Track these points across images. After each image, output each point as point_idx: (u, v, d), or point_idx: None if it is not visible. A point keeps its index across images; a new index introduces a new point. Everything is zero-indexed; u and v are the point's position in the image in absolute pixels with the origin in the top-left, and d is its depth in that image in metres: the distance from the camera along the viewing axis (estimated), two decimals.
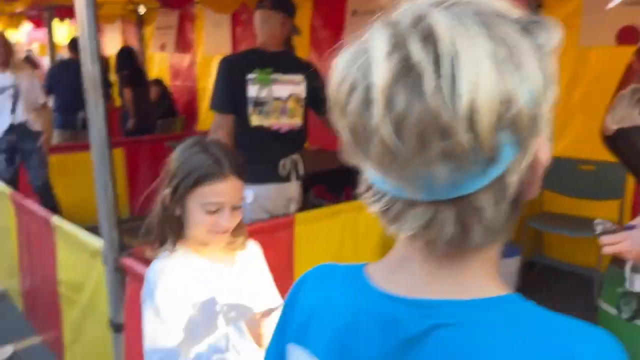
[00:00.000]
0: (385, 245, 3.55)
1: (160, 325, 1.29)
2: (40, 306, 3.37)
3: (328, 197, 4.54)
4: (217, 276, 1.37)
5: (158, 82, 6.98)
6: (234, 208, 1.30)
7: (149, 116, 6.34)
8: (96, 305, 2.60)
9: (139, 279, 2.20)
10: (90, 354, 2.77)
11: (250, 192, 2.79)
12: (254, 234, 2.74)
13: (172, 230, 1.33)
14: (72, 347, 2.95)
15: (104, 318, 2.53)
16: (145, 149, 5.74)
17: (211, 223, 1.28)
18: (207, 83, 7.23)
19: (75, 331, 2.89)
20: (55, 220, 2.91)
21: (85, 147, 5.25)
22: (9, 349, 3.20)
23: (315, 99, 2.79)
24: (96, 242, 2.49)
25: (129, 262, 2.28)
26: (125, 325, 2.36)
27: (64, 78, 5.58)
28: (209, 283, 1.35)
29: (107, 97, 2.79)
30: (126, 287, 2.31)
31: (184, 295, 1.30)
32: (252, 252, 1.50)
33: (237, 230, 1.37)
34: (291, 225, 2.90)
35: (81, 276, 2.70)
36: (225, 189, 1.27)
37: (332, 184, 4.57)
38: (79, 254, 2.67)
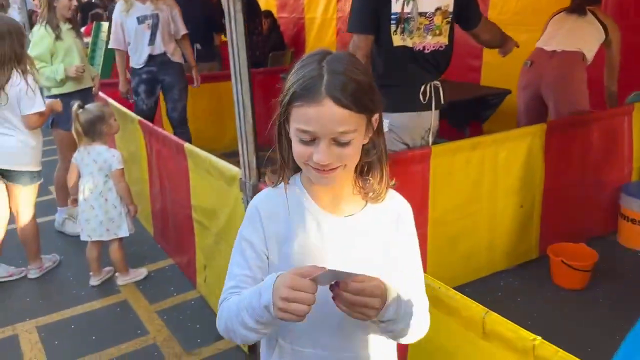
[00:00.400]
0: (525, 183, 3.28)
1: (235, 257, 1.14)
2: (172, 231, 3.49)
3: (450, 131, 4.26)
4: (317, 227, 1.08)
5: (269, 14, 6.84)
6: (340, 143, 0.98)
7: (262, 49, 6.26)
8: (230, 232, 2.60)
9: None
10: (222, 278, 2.80)
11: (385, 121, 2.61)
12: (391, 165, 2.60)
13: (284, 158, 1.09)
14: (205, 271, 3.02)
15: None
16: (258, 82, 5.69)
17: (306, 155, 1.00)
18: (315, 14, 7.01)
19: (207, 256, 2.95)
20: (189, 147, 2.92)
21: (208, 78, 5.40)
22: (143, 271, 3.36)
23: (467, 10, 2.51)
24: (233, 169, 2.46)
25: None
26: None
27: (185, 10, 5.59)
28: (306, 231, 1.09)
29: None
30: None
31: (265, 236, 1.09)
32: (393, 209, 1.14)
33: (366, 177, 1.10)
34: (427, 158, 2.71)
35: (216, 203, 2.71)
36: (316, 115, 0.95)
37: (455, 118, 4.27)
38: (214, 181, 2.66)
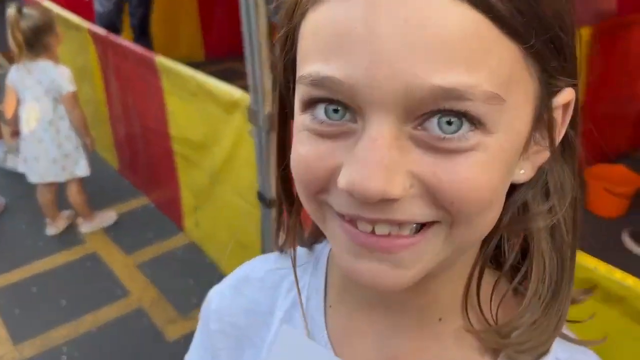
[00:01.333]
0: None
1: None
2: (144, 164, 2.90)
3: None
4: None
5: None
6: (442, 141, 0.35)
7: None
8: (232, 172, 2.07)
9: None
10: (220, 224, 2.32)
11: None
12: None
13: (285, 187, 0.53)
14: (196, 213, 2.51)
15: (243, 187, 2.02)
16: None
17: (319, 170, 0.41)
18: None
19: (199, 197, 2.43)
20: (162, 62, 2.27)
21: None
22: (112, 214, 2.79)
23: None
24: (235, 93, 1.88)
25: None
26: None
27: None
28: None
29: None
30: None
31: None
32: None
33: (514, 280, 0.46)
34: None
35: (207, 135, 2.15)
36: (367, 23, 0.33)
37: None
38: (205, 107, 2.07)
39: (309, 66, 0.34)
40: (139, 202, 2.96)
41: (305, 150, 0.36)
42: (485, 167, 0.34)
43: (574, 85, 0.37)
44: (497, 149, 0.34)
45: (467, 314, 0.43)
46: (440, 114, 0.32)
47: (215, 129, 2.07)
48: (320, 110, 0.34)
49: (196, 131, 2.22)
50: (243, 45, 1.69)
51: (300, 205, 0.45)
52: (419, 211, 0.34)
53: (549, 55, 0.34)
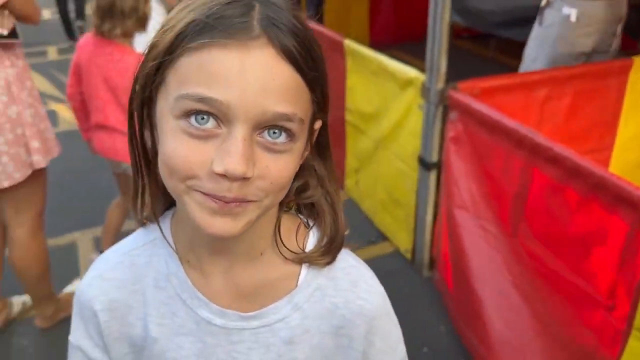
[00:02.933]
0: None
1: None
2: None
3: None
4: (200, 335, 0.67)
5: None
6: (272, 145, 0.56)
7: None
8: (396, 139, 2.48)
9: (470, 114, 1.96)
10: (377, 184, 2.74)
11: (572, 10, 2.32)
12: (573, 79, 2.34)
13: (141, 171, 0.69)
14: (356, 174, 2.97)
15: (405, 152, 2.42)
16: None
17: (196, 161, 0.56)
18: None
19: (361, 160, 2.88)
20: (350, 45, 2.74)
21: None
22: None
23: None
24: (410, 72, 2.27)
25: (458, 95, 2.03)
26: (441, 163, 2.20)
27: None
28: (179, 346, 0.68)
29: None
30: (448, 124, 2.10)
31: (106, 342, 0.70)
32: (355, 305, 0.68)
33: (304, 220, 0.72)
34: (626, 72, 2.38)
35: (379, 107, 2.57)
36: (238, 67, 0.52)
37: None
38: (382, 83, 2.50)
39: (192, 88, 0.50)
40: None
41: (182, 147, 0.52)
42: (291, 162, 0.55)
43: (323, 118, 0.61)
44: (297, 151, 0.56)
45: (277, 246, 0.65)
46: (274, 128, 0.52)
47: (388, 103, 2.49)
48: (192, 118, 0.51)
49: (370, 104, 2.66)
50: (427, 31, 2.07)
51: (153, 190, 0.64)
52: (252, 192, 0.53)
53: (320, 101, 0.57)
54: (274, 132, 0.52)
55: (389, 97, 2.47)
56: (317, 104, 0.57)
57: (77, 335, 0.70)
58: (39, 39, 6.04)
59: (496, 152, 1.84)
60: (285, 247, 0.65)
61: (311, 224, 0.68)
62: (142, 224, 0.68)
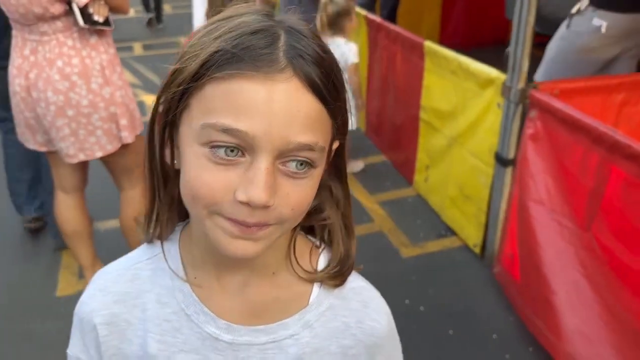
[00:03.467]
0: None
1: None
2: (389, 129, 3.57)
3: None
4: (208, 351, 0.67)
5: None
6: (294, 173, 0.57)
7: None
8: (472, 137, 2.59)
9: (550, 112, 2.06)
10: (448, 180, 2.85)
11: (602, 22, 2.40)
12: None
13: (158, 191, 0.71)
14: (426, 171, 3.09)
15: (480, 149, 2.52)
16: None
17: (221, 188, 0.57)
18: None
19: (432, 157, 3.00)
20: (430, 46, 2.88)
21: None
22: (360, 164, 3.54)
23: None
24: (491, 72, 2.39)
25: (539, 95, 2.13)
26: (516, 160, 2.31)
27: None
28: None
29: None
30: (527, 122, 2.20)
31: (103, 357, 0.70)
32: (361, 323, 0.70)
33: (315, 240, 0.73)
34: None
35: (456, 105, 2.69)
36: (265, 100, 0.53)
37: None
38: (460, 83, 2.62)
39: (218, 118, 0.51)
40: (378, 159, 3.67)
41: (206, 174, 0.53)
42: (311, 187, 0.57)
43: (341, 139, 0.62)
44: (317, 176, 0.57)
45: (291, 265, 0.67)
46: (296, 160, 0.53)
47: (466, 101, 2.60)
48: (221, 150, 0.52)
49: (447, 102, 2.78)
50: (514, 34, 2.18)
51: (167, 207, 0.65)
52: (272, 217, 0.54)
53: (340, 126, 0.58)
54: (296, 162, 0.54)
55: (467, 96, 2.59)
56: (337, 129, 0.59)
57: (75, 349, 0.70)
58: (126, 35, 6.49)
59: (574, 148, 1.93)
60: (300, 265, 0.67)
61: (321, 243, 0.70)
62: (150, 241, 0.68)
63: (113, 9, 2.00)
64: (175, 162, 0.60)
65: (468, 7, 5.49)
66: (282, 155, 0.53)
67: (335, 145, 0.62)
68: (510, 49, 2.20)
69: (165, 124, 0.58)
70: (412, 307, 2.37)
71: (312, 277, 0.67)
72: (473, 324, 2.26)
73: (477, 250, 2.65)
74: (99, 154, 2.05)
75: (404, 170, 3.39)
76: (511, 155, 2.33)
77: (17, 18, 1.87)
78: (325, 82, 0.54)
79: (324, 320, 0.67)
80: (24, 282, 2.57)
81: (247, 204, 0.52)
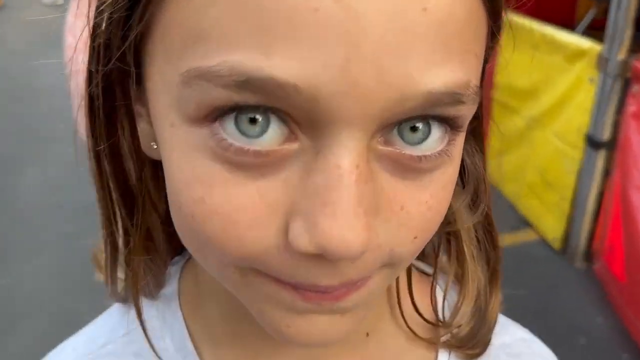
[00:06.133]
0: None
1: None
2: None
3: None
4: None
5: None
6: (420, 161, 0.26)
7: None
8: (556, 118, 2.32)
9: None
10: (525, 166, 2.59)
11: None
12: None
13: (120, 213, 0.39)
14: (499, 157, 2.83)
15: (567, 131, 2.26)
16: None
17: (246, 215, 0.27)
18: None
19: (507, 141, 2.74)
20: (508, 16, 2.61)
21: None
22: None
23: None
24: (584, 43, 2.11)
25: None
26: (613, 142, 2.03)
27: None
28: None
29: None
30: (628, 98, 1.93)
31: None
32: None
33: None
34: None
35: (538, 83, 2.42)
36: None
37: None
38: (544, 57, 2.35)
39: (223, 54, 0.22)
40: None
41: (219, 196, 0.24)
42: (450, 183, 0.27)
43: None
44: (457, 156, 0.27)
45: (402, 316, 0.38)
46: (421, 125, 0.24)
47: (550, 77, 2.33)
48: (229, 122, 0.23)
49: (527, 80, 2.51)
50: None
51: (147, 240, 0.34)
52: (375, 263, 0.26)
53: (496, 31, 0.28)
54: (412, 129, 0.24)
55: (552, 71, 2.32)
56: (491, 38, 0.28)
57: None
58: None
59: None
60: (421, 315, 0.38)
61: (435, 270, 0.40)
62: (126, 300, 0.38)
63: None
64: (147, 148, 0.30)
65: None
66: (388, 124, 0.24)
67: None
68: (610, 16, 1.92)
69: (109, 84, 0.28)
70: None
71: (438, 335, 0.39)
72: (558, 328, 2.02)
73: (556, 244, 2.39)
74: None
75: None
76: (605, 136, 2.05)
77: None
78: None
79: None
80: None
81: (321, 255, 0.23)
